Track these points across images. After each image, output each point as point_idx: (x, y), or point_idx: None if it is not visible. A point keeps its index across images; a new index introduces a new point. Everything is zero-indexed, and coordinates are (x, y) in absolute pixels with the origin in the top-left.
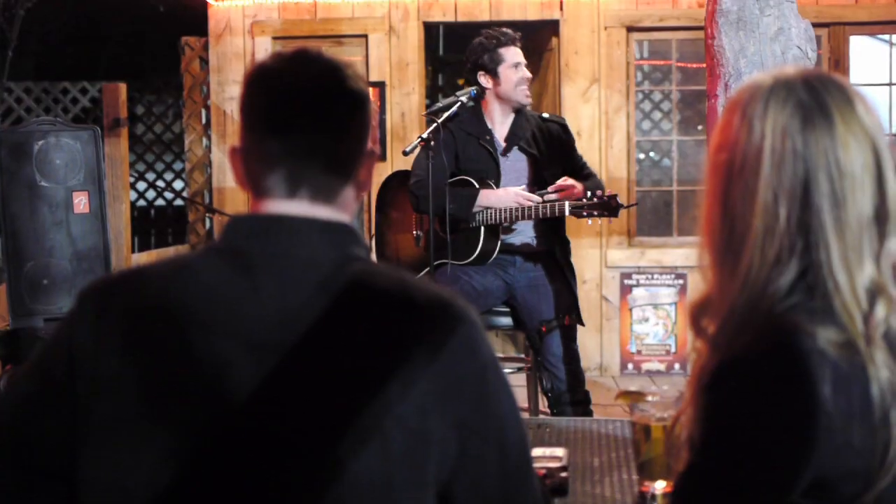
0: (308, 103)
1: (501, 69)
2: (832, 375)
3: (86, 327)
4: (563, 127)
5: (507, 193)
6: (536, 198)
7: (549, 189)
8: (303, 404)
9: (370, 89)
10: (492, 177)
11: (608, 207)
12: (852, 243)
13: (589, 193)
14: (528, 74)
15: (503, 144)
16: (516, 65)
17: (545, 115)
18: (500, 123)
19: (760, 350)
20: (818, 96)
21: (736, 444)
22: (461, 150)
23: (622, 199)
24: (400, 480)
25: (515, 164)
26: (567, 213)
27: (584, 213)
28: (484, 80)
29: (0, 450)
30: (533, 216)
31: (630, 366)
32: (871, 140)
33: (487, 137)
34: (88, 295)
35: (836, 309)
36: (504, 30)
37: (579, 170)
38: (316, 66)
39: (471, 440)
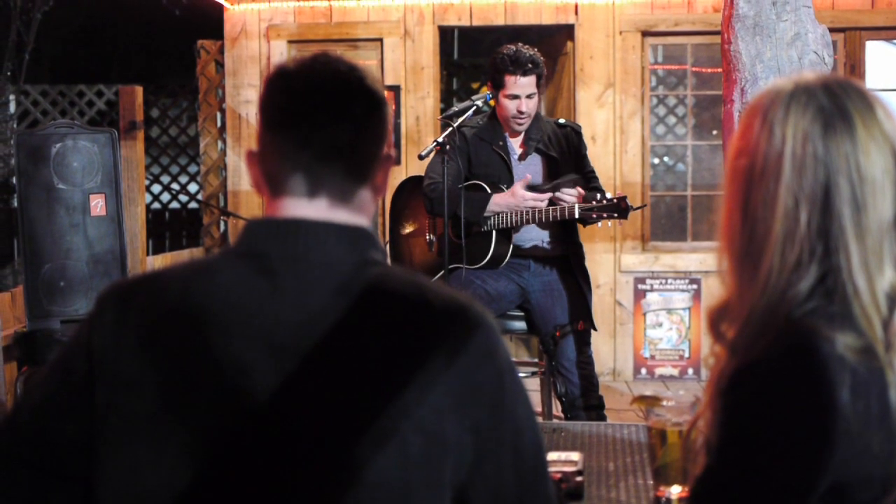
0: (327, 101)
1: (500, 94)
2: (850, 380)
3: (105, 328)
4: (578, 134)
5: (516, 196)
6: (544, 196)
7: (559, 182)
8: (321, 407)
9: (385, 93)
10: (504, 182)
11: (618, 209)
12: (873, 248)
13: (598, 195)
14: (525, 109)
15: (519, 150)
16: (513, 97)
17: (561, 120)
18: (515, 130)
19: (778, 354)
20: (839, 102)
21: (753, 448)
22: (474, 155)
23: (635, 204)
24: (417, 483)
25: (529, 167)
26: (577, 216)
27: (594, 216)
28: (492, 93)
29: (19, 451)
30: (543, 219)
31: (643, 371)
32: (891, 145)
33: (501, 143)
34: (108, 296)
35: (855, 314)
36: (518, 53)
37: (587, 177)
38: (334, 66)
39: (487, 444)
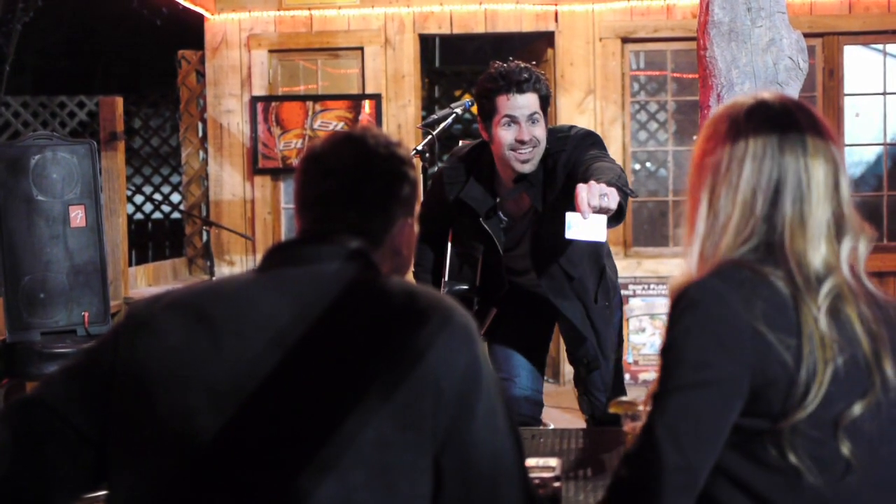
0: (342, 186)
1: (493, 127)
2: (769, 297)
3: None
4: (577, 145)
5: None
6: None
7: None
8: (270, 436)
9: (411, 166)
10: (491, 255)
11: None
12: (811, 235)
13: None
14: (527, 134)
15: (512, 214)
16: (509, 120)
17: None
18: (519, 171)
19: (704, 278)
20: (792, 118)
21: (683, 357)
22: (457, 223)
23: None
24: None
25: (516, 234)
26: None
27: None
28: (484, 134)
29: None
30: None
31: (627, 376)
32: (832, 156)
33: (495, 217)
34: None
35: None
36: (510, 66)
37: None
38: (350, 148)
39: (462, 419)
